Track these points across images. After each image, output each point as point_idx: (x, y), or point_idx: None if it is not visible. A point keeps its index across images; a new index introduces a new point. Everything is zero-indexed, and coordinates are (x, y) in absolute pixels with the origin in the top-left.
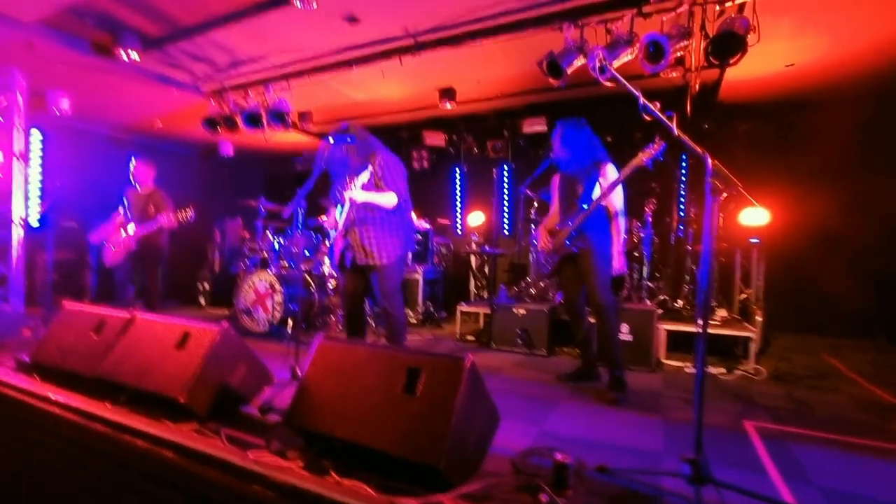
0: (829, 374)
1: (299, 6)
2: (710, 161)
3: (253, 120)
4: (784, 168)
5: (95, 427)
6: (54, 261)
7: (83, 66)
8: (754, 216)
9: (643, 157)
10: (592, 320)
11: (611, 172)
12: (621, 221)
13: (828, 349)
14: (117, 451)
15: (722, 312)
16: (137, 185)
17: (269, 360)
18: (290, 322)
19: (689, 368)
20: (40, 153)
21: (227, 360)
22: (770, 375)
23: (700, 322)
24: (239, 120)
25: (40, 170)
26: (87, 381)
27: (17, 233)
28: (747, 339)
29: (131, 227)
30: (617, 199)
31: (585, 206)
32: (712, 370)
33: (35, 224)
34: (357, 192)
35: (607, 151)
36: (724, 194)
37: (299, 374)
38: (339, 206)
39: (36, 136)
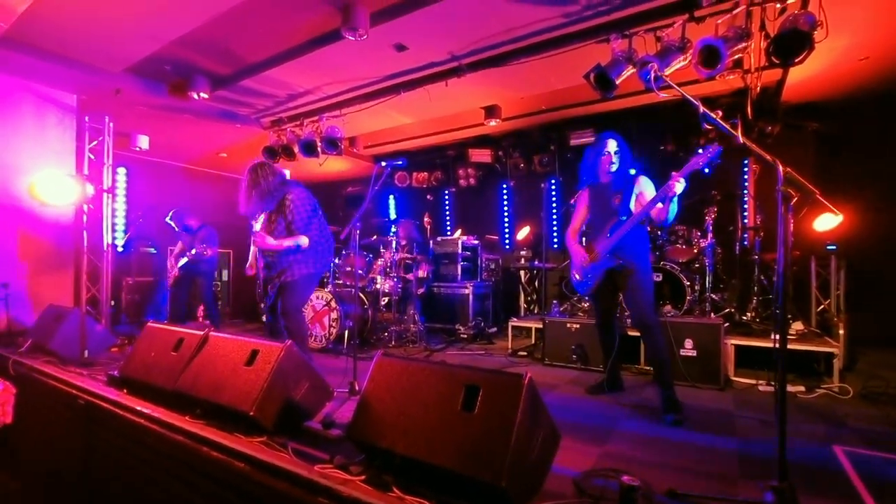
0: None
1: (352, 39)
2: (781, 168)
3: (308, 147)
4: (864, 168)
5: (176, 438)
6: (135, 283)
7: (160, 107)
8: (829, 221)
9: (700, 162)
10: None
11: (645, 184)
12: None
13: None
14: (195, 461)
15: (798, 325)
16: (185, 230)
17: (327, 376)
18: (345, 338)
19: (763, 386)
20: (125, 187)
21: (292, 376)
22: (859, 395)
23: (777, 337)
24: (296, 148)
25: (125, 202)
26: (167, 394)
27: (106, 259)
28: (829, 354)
29: (179, 260)
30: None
31: (624, 218)
32: (790, 388)
33: (120, 250)
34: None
35: (665, 159)
36: (795, 198)
37: (357, 389)
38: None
39: (121, 172)
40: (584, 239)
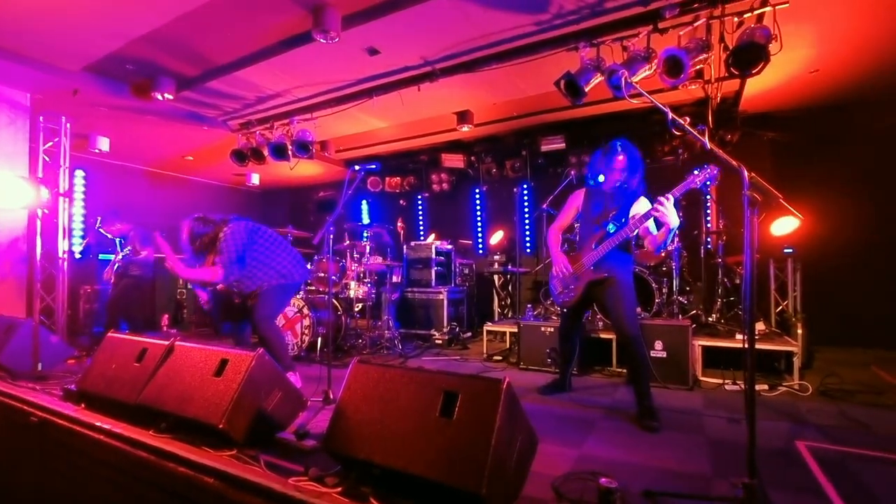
0: (883, 389)
1: (323, 41)
2: (746, 173)
3: (279, 151)
4: (816, 175)
5: (140, 454)
6: (93, 291)
7: (122, 107)
8: (786, 225)
9: (697, 181)
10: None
11: (643, 205)
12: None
13: (876, 362)
14: (161, 478)
15: (760, 326)
16: (117, 239)
17: (300, 384)
18: (318, 345)
19: (730, 385)
20: (83, 190)
21: (263, 386)
22: (817, 392)
23: (745, 337)
24: (265, 151)
25: (83, 206)
26: (130, 408)
27: (62, 267)
28: (789, 353)
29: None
30: (672, 219)
31: (612, 231)
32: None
33: (78, 257)
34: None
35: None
36: (759, 203)
37: (332, 397)
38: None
39: (79, 174)
40: (565, 245)
